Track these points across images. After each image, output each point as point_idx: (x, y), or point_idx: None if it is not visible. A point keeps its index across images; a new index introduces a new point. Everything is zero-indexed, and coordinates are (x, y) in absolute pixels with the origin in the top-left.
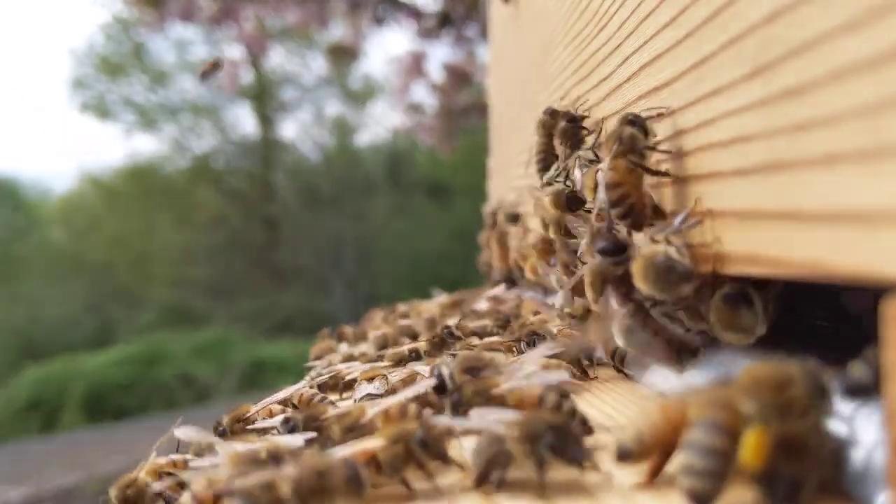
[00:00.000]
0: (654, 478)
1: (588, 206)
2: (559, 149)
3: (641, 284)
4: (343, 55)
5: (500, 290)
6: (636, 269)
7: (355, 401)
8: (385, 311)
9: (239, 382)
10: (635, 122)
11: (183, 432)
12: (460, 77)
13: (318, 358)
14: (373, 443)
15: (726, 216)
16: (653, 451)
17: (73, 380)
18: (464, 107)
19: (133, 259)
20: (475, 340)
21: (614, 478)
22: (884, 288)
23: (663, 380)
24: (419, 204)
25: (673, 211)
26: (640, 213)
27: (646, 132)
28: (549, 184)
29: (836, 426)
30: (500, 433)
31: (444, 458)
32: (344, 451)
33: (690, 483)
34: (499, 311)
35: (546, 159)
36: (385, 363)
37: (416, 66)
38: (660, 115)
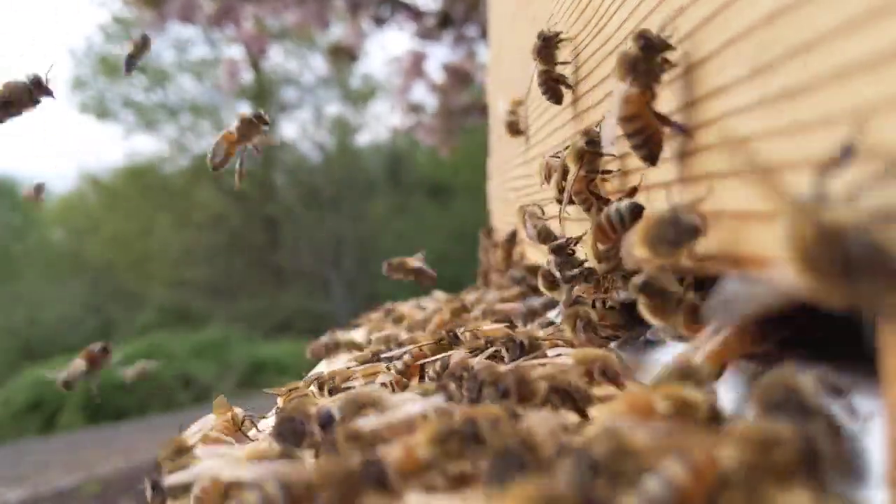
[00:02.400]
0: None
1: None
2: None
3: (640, 248)
4: (343, 55)
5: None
6: (638, 234)
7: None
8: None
9: (238, 382)
10: (644, 37)
11: None
12: (460, 77)
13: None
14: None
15: (724, 216)
16: None
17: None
18: (464, 107)
19: (133, 259)
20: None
21: None
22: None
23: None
24: (419, 204)
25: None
26: (657, 143)
27: (657, 49)
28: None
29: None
30: None
31: None
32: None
33: None
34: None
35: (551, 87)
36: (382, 363)
37: (416, 66)
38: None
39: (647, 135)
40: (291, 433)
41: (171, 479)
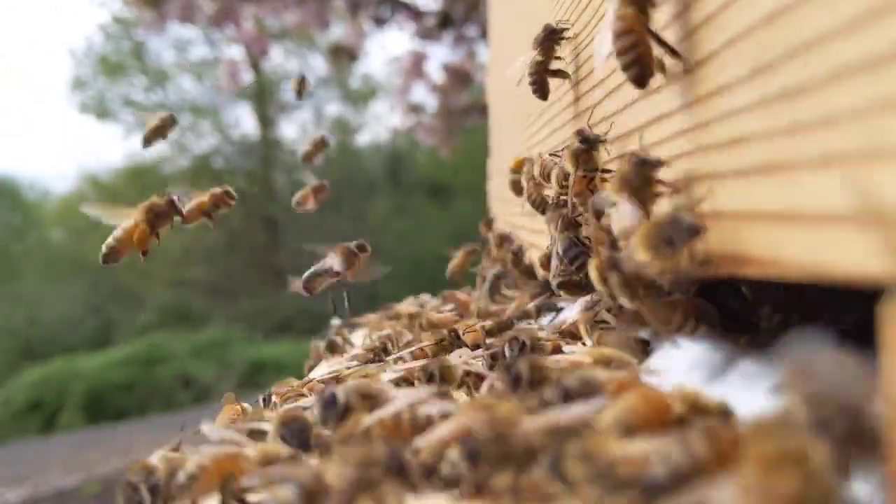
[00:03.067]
0: None
1: None
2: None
3: (642, 252)
4: (343, 55)
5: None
6: (639, 237)
7: None
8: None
9: (238, 382)
10: None
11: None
12: (460, 77)
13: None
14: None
15: (724, 216)
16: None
17: (72, 380)
18: (464, 107)
19: (133, 259)
20: None
21: None
22: (882, 289)
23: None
24: (419, 204)
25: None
26: (647, 64)
27: None
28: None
29: None
30: None
31: None
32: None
33: None
34: None
35: (540, 81)
36: (380, 364)
37: (416, 66)
38: None
39: (638, 52)
40: (298, 433)
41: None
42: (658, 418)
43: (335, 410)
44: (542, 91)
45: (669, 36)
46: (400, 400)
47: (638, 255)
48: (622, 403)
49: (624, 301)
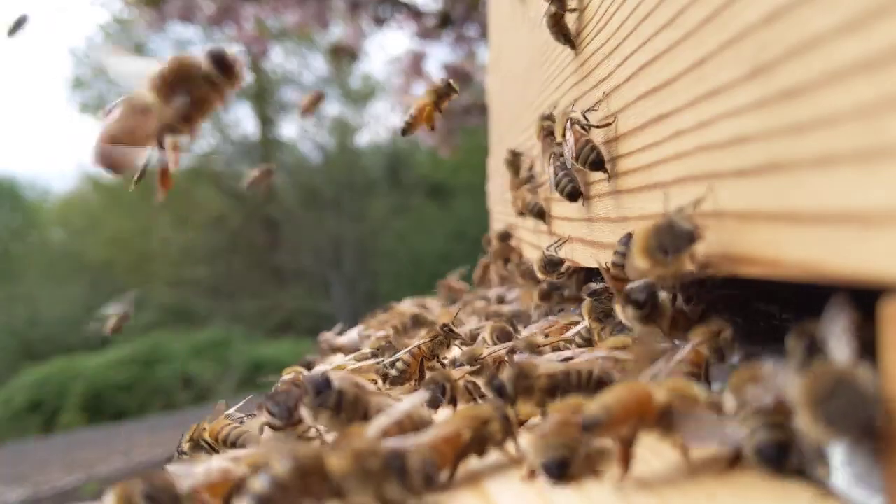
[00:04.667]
0: (627, 467)
1: None
2: None
3: (640, 258)
4: (343, 55)
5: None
6: (636, 241)
7: None
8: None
9: (238, 382)
10: None
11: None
12: (460, 77)
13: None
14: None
15: (724, 217)
16: (619, 424)
17: (72, 380)
18: (464, 107)
19: (133, 259)
20: None
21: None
22: (882, 289)
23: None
24: (419, 204)
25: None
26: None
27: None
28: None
29: None
30: None
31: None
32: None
33: None
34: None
35: (563, 32)
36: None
37: (416, 66)
38: None
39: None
40: (284, 402)
41: (175, 469)
42: (641, 408)
43: (328, 396)
44: (567, 40)
45: (669, 36)
46: (401, 406)
47: (637, 262)
48: (612, 392)
49: (647, 331)
